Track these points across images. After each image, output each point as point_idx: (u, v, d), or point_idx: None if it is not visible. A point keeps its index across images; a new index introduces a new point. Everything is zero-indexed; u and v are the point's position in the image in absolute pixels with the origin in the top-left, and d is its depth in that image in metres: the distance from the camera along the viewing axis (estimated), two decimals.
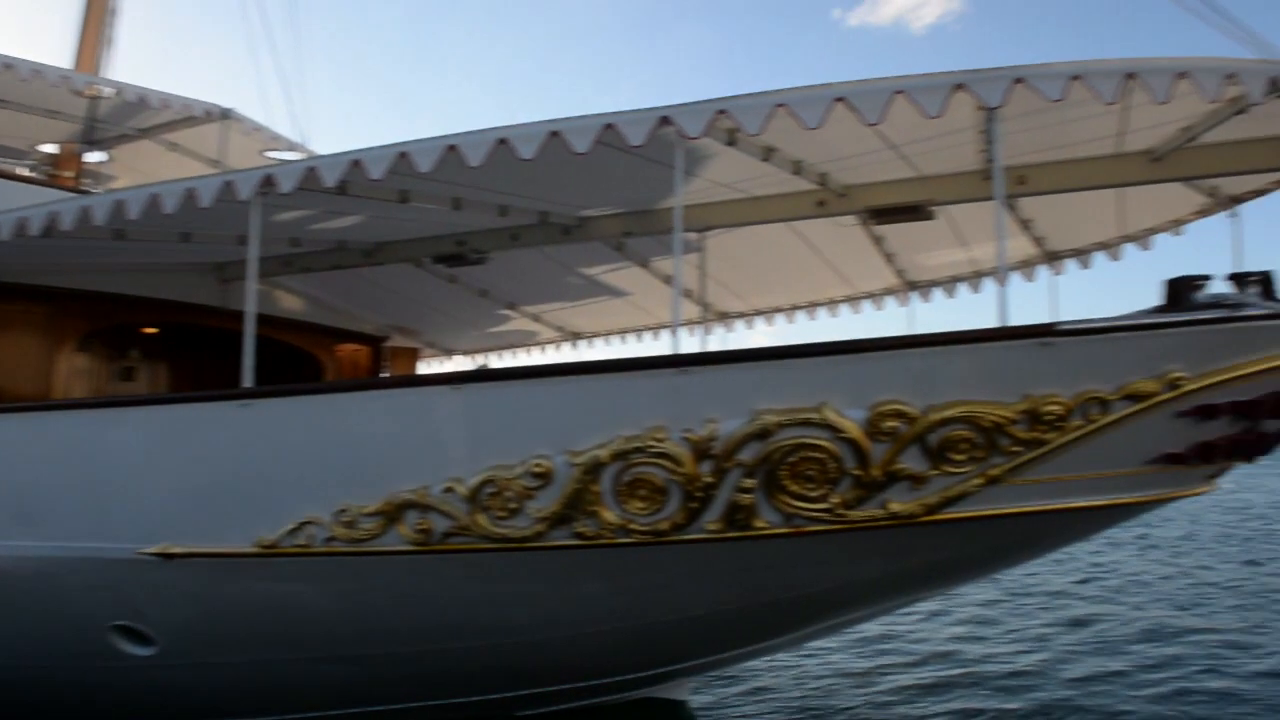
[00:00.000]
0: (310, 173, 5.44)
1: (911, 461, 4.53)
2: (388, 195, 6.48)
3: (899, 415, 4.45)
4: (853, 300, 9.53)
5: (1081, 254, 7.88)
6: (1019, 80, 4.45)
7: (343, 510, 5.29)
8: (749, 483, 4.67)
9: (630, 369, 5.10)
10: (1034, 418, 4.41)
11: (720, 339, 10.19)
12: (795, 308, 10.00)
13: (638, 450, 4.76)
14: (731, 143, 5.58)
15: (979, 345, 4.41)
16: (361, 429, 5.43)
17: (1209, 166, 5.87)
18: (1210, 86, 4.42)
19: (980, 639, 11.57)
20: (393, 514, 5.20)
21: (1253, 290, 4.37)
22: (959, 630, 11.99)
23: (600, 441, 4.81)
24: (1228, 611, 13.70)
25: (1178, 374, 4.35)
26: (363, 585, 5.68)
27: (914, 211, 6.56)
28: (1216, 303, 4.35)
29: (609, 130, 4.89)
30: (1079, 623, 12.71)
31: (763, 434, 4.57)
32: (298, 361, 10.20)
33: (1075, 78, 4.38)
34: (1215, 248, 6.91)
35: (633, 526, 4.89)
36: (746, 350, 4.89)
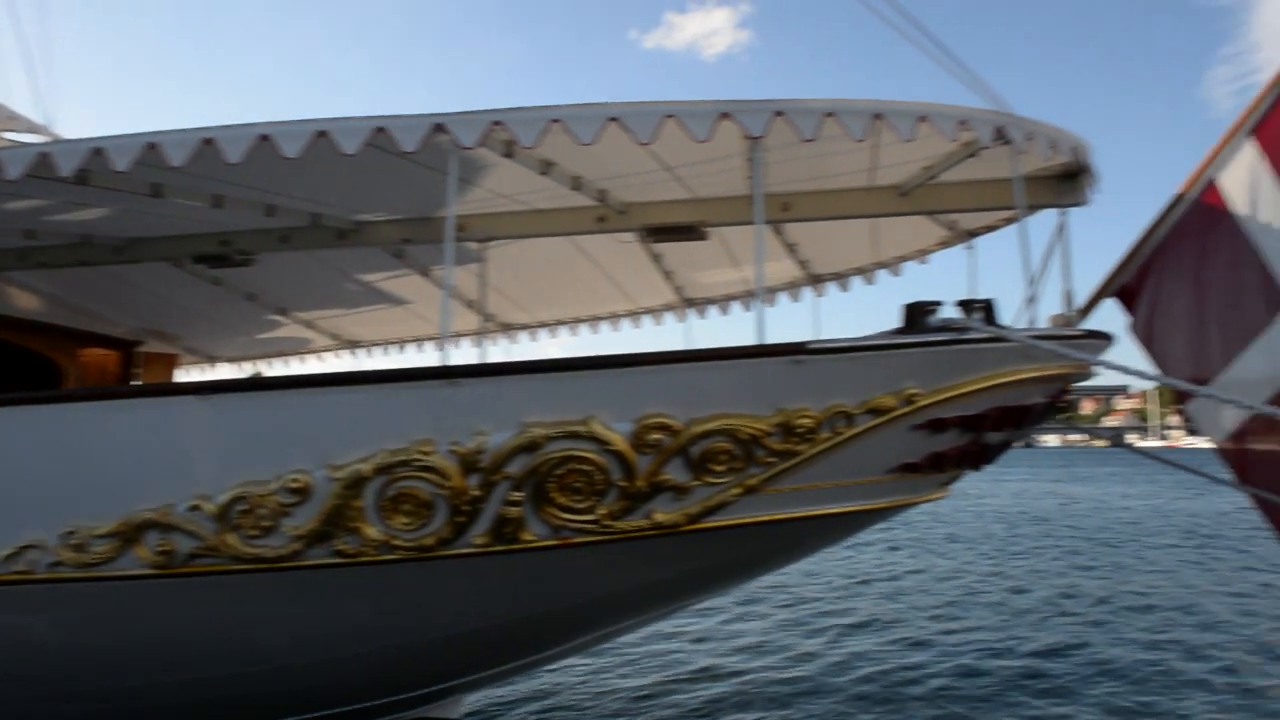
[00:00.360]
0: (43, 159, 4.93)
1: (675, 473, 4.68)
2: (138, 188, 5.98)
3: (663, 428, 4.58)
4: (634, 315, 9.74)
5: (841, 278, 8.44)
6: (779, 113, 4.71)
7: (71, 532, 4.82)
8: (517, 495, 4.65)
9: (395, 380, 4.96)
10: (787, 430, 4.67)
11: (504, 350, 10.16)
12: (578, 321, 10.11)
13: (403, 464, 4.63)
14: (509, 154, 5.57)
15: (738, 362, 4.62)
16: (96, 442, 4.97)
17: (948, 202, 6.46)
18: (947, 130, 4.89)
19: (749, 651, 12.09)
20: (130, 535, 4.79)
21: (977, 316, 4.84)
22: (738, 643, 12.48)
23: (363, 455, 4.65)
24: (979, 611, 15.08)
25: (913, 390, 4.74)
26: (97, 614, 5.19)
27: (688, 231, 6.80)
28: (946, 326, 4.79)
29: (380, 134, 4.75)
30: (851, 628, 13.59)
31: (531, 446, 4.58)
32: (34, 367, 9.19)
33: (829, 114, 4.70)
34: (956, 276, 7.65)
35: (397, 542, 4.75)
36: (516, 363, 4.90)
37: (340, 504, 4.67)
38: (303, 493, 4.67)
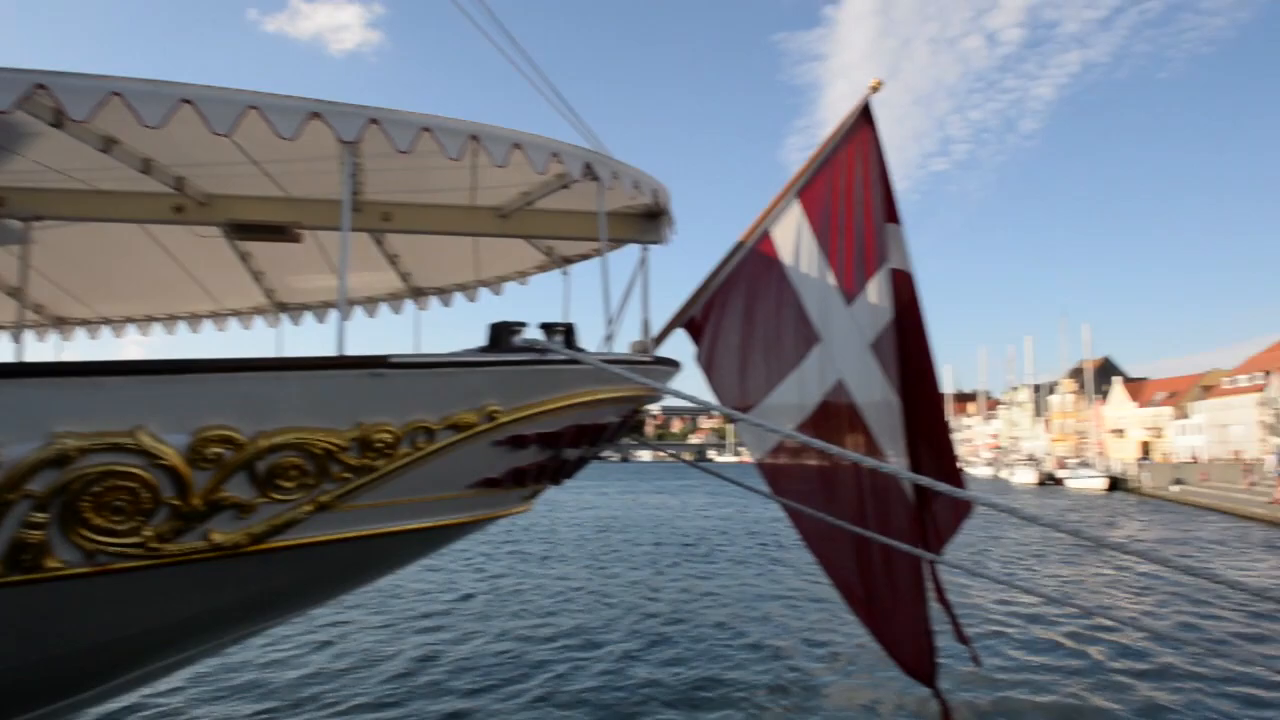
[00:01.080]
0: None
1: (237, 489, 4.33)
2: None
3: (226, 441, 4.22)
4: (218, 317, 8.96)
5: (444, 293, 8.44)
6: (374, 121, 4.59)
7: None
8: (40, 517, 4.01)
9: None
10: (365, 445, 4.53)
11: (55, 348, 8.81)
12: (151, 319, 9.07)
13: None
14: (58, 124, 4.86)
15: (313, 373, 4.41)
16: None
17: (544, 229, 6.74)
18: (539, 160, 5.08)
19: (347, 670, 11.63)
20: None
21: (558, 338, 5.09)
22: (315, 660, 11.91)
23: None
24: (576, 614, 15.75)
25: (494, 407, 4.84)
26: None
27: (279, 232, 6.41)
28: (528, 347, 4.97)
29: None
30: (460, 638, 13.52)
31: (61, 460, 3.98)
32: None
33: (425, 129, 4.68)
34: (554, 298, 7.99)
35: None
36: (45, 364, 4.21)
37: None
38: None
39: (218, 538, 4.37)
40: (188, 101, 4.27)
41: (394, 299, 8.52)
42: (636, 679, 11.16)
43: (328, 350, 4.65)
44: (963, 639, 6.71)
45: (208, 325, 9.03)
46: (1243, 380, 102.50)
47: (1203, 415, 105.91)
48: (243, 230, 6.43)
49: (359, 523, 4.82)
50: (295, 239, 6.49)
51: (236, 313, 8.90)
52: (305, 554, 4.77)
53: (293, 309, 8.81)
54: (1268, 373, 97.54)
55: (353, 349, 4.69)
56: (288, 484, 4.42)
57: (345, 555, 5.11)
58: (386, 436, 4.57)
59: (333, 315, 8.90)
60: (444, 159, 4.97)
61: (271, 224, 6.34)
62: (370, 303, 8.59)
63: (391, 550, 5.58)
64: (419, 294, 8.43)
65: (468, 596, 17.71)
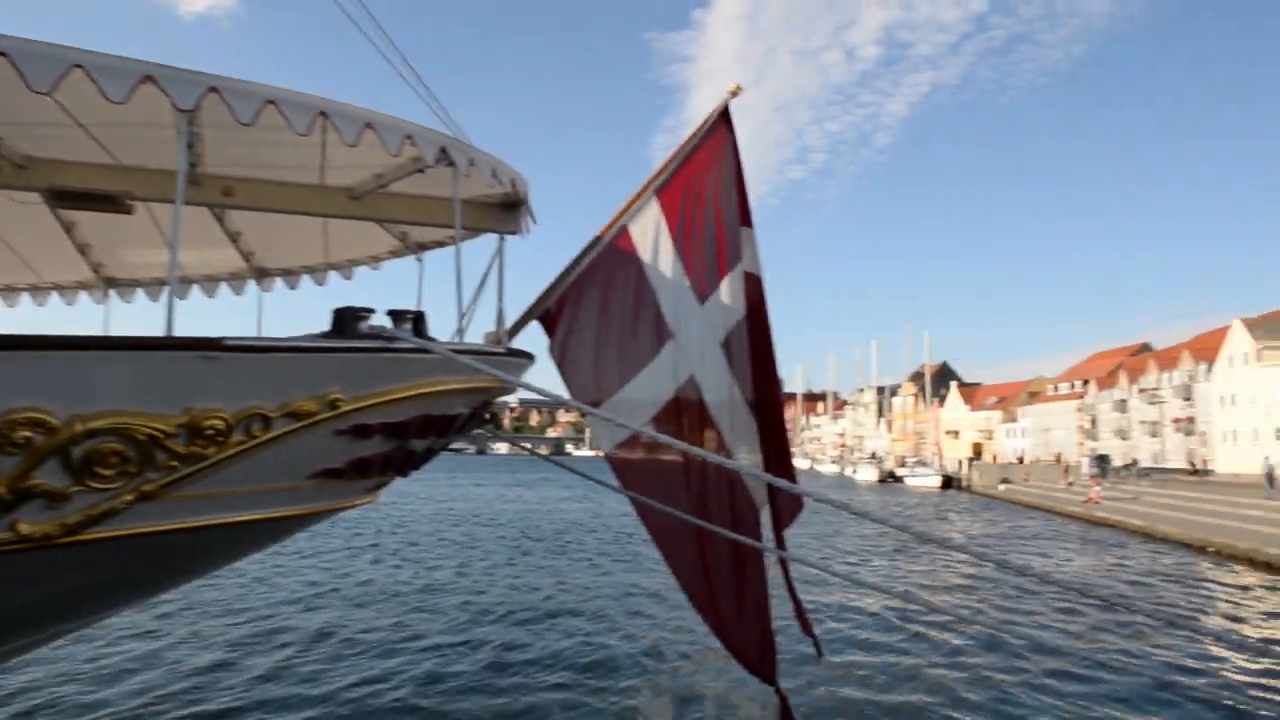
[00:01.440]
0: None
1: (49, 477, 4.02)
2: None
3: (36, 424, 3.91)
4: (38, 291, 8.28)
5: (290, 274, 8.08)
6: (214, 89, 4.35)
7: None
8: None
9: None
10: (195, 431, 4.29)
11: None
12: None
13: None
14: None
15: (138, 354, 4.15)
16: None
17: (397, 213, 6.55)
18: (392, 142, 4.93)
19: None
20: None
21: (406, 326, 4.97)
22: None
23: None
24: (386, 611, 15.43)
25: (337, 395, 4.68)
26: None
27: (109, 201, 5.99)
28: (375, 334, 4.83)
29: None
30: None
31: None
32: None
33: (270, 102, 4.47)
34: (408, 286, 7.77)
35: None
36: None
37: None
38: None
39: (25, 528, 4.05)
40: (3, 55, 3.93)
41: (235, 279, 8.09)
42: (463, 681, 11.07)
43: (161, 331, 4.39)
44: (808, 632, 6.97)
45: (25, 300, 8.34)
46: (1064, 388, 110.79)
47: (1029, 419, 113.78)
48: (67, 198, 5.98)
49: (188, 514, 4.57)
50: (126, 210, 6.09)
51: (59, 287, 8.25)
52: (127, 546, 4.48)
53: (123, 285, 8.24)
54: (1086, 381, 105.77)
55: (189, 330, 4.44)
56: (107, 471, 4.14)
57: (173, 548, 4.83)
58: (218, 423, 4.34)
59: (167, 294, 8.38)
60: (291, 134, 4.77)
61: (100, 192, 5.92)
62: (209, 282, 8.14)
63: (225, 543, 5.33)
64: (263, 275, 8.04)
65: (317, 593, 17.10)
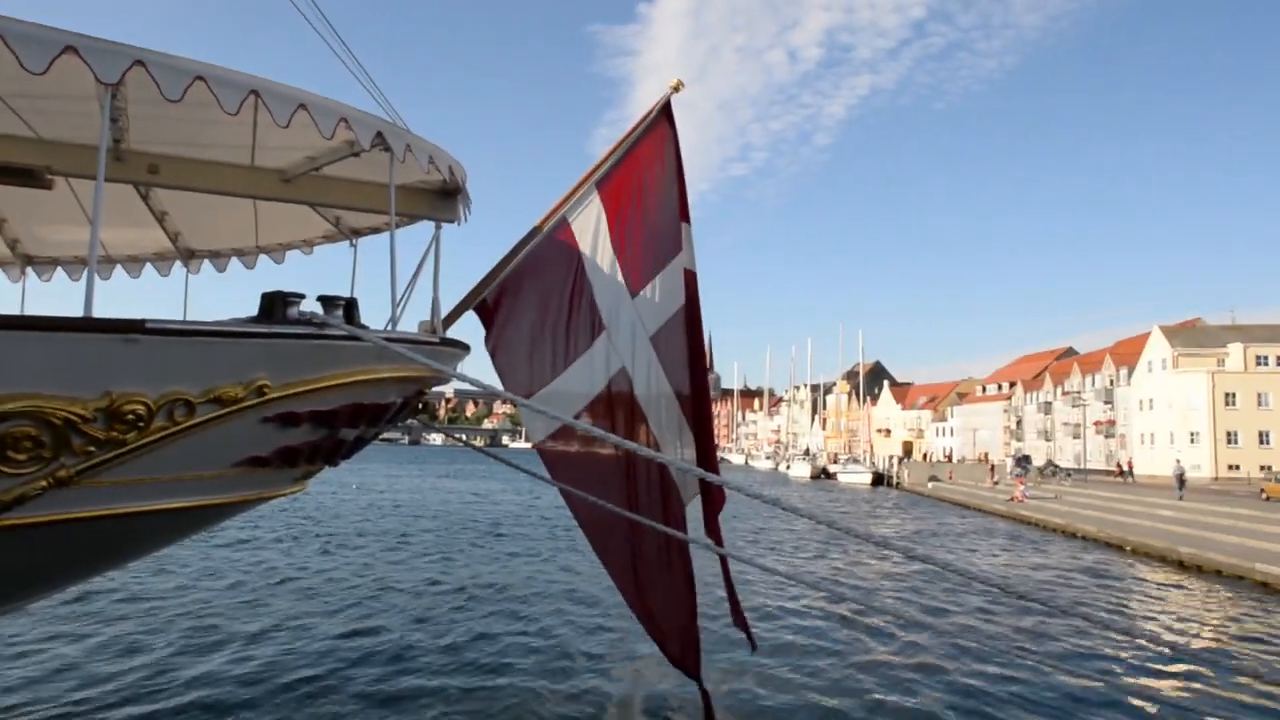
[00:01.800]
0: None
1: None
2: None
3: None
4: None
5: (219, 257, 7.88)
6: (140, 63, 4.22)
7: None
8: None
9: None
10: (114, 416, 4.17)
11: None
12: None
13: None
14: None
15: (54, 334, 4.01)
16: None
17: (331, 197, 6.42)
18: (325, 124, 4.83)
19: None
20: None
21: (337, 313, 4.87)
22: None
23: None
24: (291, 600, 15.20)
25: (264, 381, 4.58)
26: None
27: (27, 175, 5.77)
28: (305, 320, 4.73)
29: None
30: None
31: None
32: None
33: (199, 78, 4.34)
34: (341, 272, 7.63)
35: None
36: None
37: None
38: None
39: None
40: None
41: (161, 260, 7.86)
42: (389, 673, 10.94)
43: (80, 312, 4.23)
44: (742, 625, 7.04)
45: None
46: (992, 389, 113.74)
47: (958, 419, 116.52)
48: None
49: (106, 500, 4.44)
50: (46, 185, 5.88)
51: None
52: (40, 533, 4.34)
53: (41, 263, 7.95)
54: (1013, 383, 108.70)
55: (110, 312, 4.29)
56: (19, 456, 4.00)
57: (90, 535, 4.70)
58: (139, 408, 4.22)
59: (87, 273, 8.10)
60: (221, 113, 4.64)
61: (16, 166, 5.69)
62: (133, 262, 7.89)
63: (145, 531, 5.18)
64: (190, 256, 7.82)
65: (236, 584, 16.73)
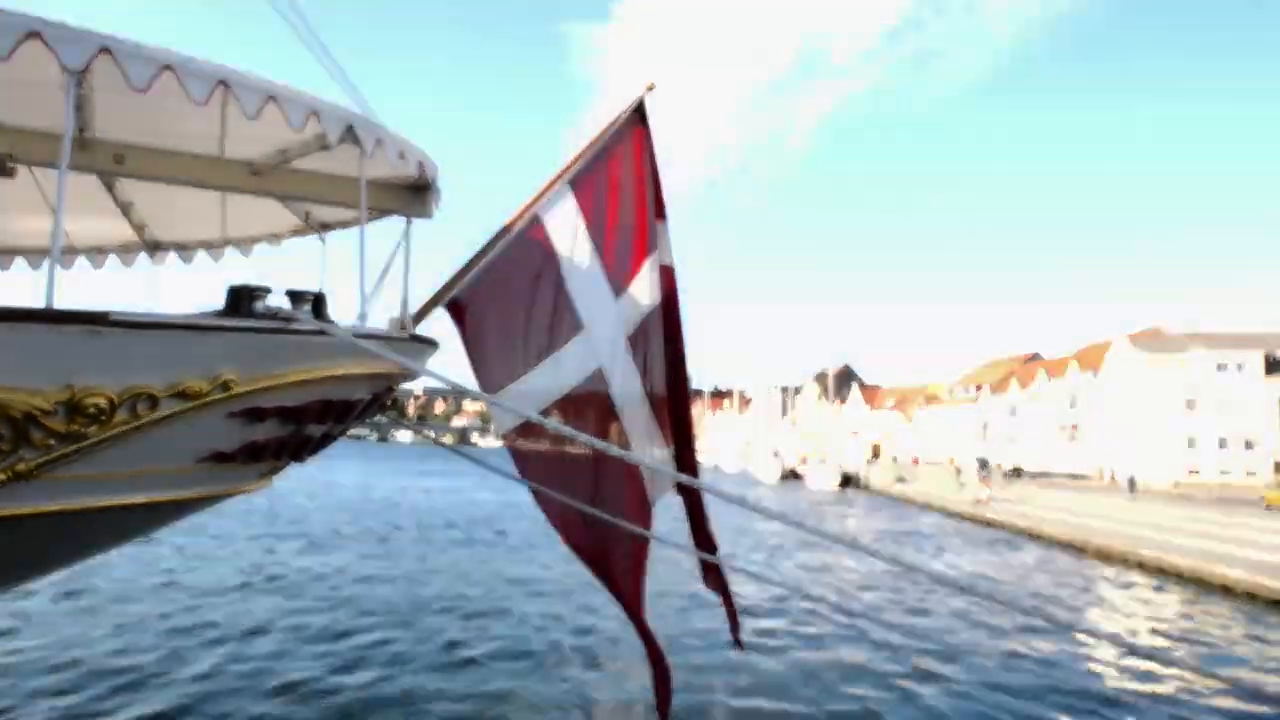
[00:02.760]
0: None
1: None
2: None
3: None
4: None
5: (185, 249, 7.75)
6: (106, 50, 4.14)
7: None
8: None
9: None
10: (75, 410, 4.09)
11: None
12: None
13: None
14: None
15: (15, 325, 3.93)
16: None
17: (301, 190, 6.32)
18: (295, 117, 4.77)
19: None
20: None
21: (306, 308, 4.82)
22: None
23: None
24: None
25: (229, 376, 4.52)
26: None
27: None
28: (272, 314, 4.67)
29: None
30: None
31: None
32: None
33: (167, 67, 4.28)
34: (310, 266, 7.51)
35: None
36: None
37: None
38: None
39: None
40: None
41: (125, 251, 7.72)
42: (357, 677, 10.87)
43: (41, 303, 4.15)
44: (733, 620, 7.06)
45: None
46: (960, 392, 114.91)
47: (926, 422, 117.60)
48: None
49: (66, 495, 4.36)
50: (7, 173, 5.75)
51: None
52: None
53: (1, 252, 7.79)
54: (979, 387, 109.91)
55: (73, 303, 4.21)
56: None
57: (49, 530, 4.61)
58: (101, 401, 4.14)
59: (49, 263, 7.94)
60: (189, 103, 4.57)
61: None
62: (97, 253, 7.75)
63: (106, 526, 5.10)
64: (156, 248, 7.69)
65: (205, 588, 16.52)
